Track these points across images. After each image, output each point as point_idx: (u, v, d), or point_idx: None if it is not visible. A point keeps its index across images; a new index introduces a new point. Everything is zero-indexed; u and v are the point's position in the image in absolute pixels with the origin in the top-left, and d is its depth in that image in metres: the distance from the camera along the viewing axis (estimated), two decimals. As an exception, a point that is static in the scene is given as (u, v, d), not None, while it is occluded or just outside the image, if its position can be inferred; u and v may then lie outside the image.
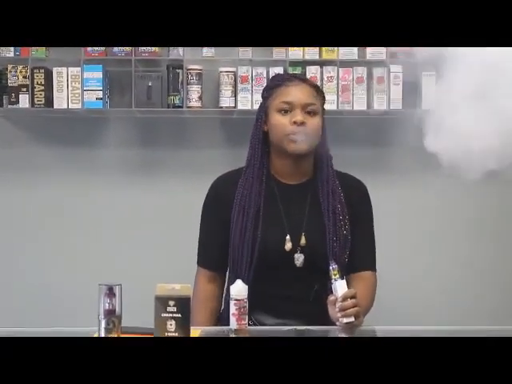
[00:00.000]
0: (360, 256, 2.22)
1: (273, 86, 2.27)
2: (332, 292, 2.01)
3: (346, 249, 2.20)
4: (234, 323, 1.93)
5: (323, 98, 2.30)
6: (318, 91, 2.27)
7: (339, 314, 1.95)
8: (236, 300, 1.93)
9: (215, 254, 2.27)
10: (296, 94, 2.20)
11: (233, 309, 1.94)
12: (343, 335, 1.98)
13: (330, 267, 2.00)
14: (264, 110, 2.25)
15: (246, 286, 1.95)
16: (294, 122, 2.17)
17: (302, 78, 2.29)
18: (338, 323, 1.97)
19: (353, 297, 1.96)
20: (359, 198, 2.30)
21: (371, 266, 2.26)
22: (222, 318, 2.33)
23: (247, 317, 1.95)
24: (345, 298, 1.95)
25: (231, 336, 1.92)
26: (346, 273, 2.16)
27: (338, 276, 1.99)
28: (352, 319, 1.95)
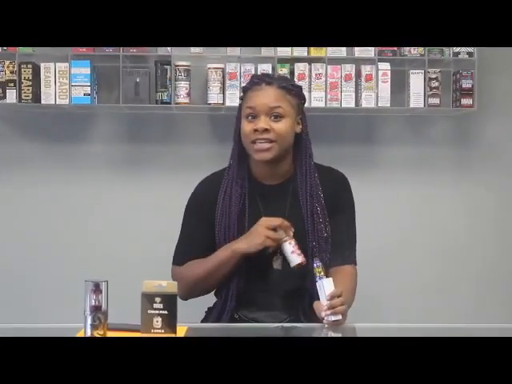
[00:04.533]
0: (340, 250, 2.23)
1: (244, 89, 2.28)
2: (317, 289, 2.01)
3: (326, 251, 2.21)
4: (296, 259, 2.12)
5: (298, 97, 2.25)
6: (289, 91, 2.22)
7: (328, 312, 1.95)
8: (288, 239, 2.14)
9: (194, 253, 2.25)
10: (260, 99, 2.18)
11: (289, 247, 2.13)
12: (330, 332, 1.98)
13: (314, 264, 2.01)
14: (240, 112, 2.26)
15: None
16: (256, 130, 2.17)
17: (269, 81, 2.21)
18: (324, 321, 1.97)
19: (339, 295, 1.97)
20: (339, 189, 2.30)
21: (351, 259, 2.26)
22: (210, 314, 2.34)
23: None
24: (333, 297, 1.96)
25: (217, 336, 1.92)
26: (327, 267, 2.17)
27: (322, 274, 1.99)
28: (339, 317, 1.96)
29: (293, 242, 2.12)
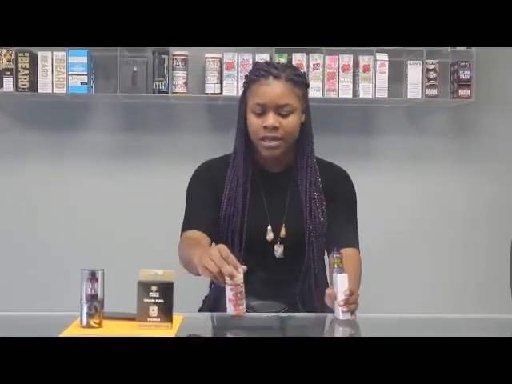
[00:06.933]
0: (343, 233, 2.22)
1: (250, 79, 2.21)
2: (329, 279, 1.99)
3: (322, 235, 2.22)
4: (231, 309, 1.87)
5: (304, 87, 2.22)
6: (296, 84, 2.18)
7: (344, 309, 1.91)
8: (233, 285, 1.85)
9: (203, 221, 2.19)
10: (269, 95, 2.14)
11: (229, 294, 1.86)
12: (328, 322, 1.98)
13: (334, 255, 1.95)
14: (244, 101, 2.23)
15: (242, 270, 1.86)
16: (265, 127, 2.15)
17: (277, 74, 2.16)
18: (339, 317, 1.93)
19: (352, 293, 1.95)
20: (339, 180, 2.29)
21: (354, 243, 2.24)
22: (204, 305, 2.34)
23: (244, 301, 1.89)
24: (346, 294, 1.93)
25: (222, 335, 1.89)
26: (328, 253, 2.18)
27: (341, 266, 1.94)
28: (351, 316, 1.93)
29: (235, 289, 1.85)
